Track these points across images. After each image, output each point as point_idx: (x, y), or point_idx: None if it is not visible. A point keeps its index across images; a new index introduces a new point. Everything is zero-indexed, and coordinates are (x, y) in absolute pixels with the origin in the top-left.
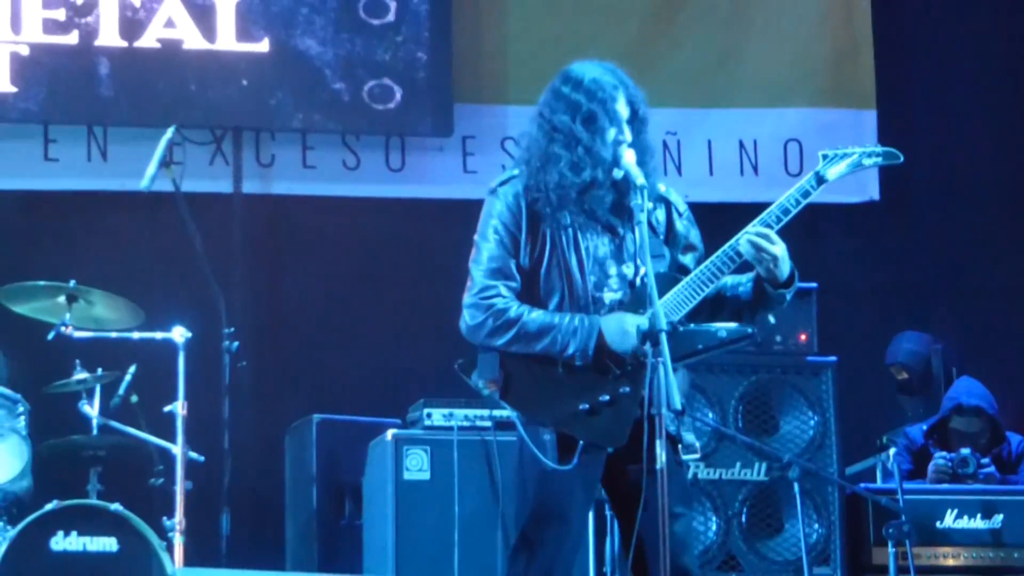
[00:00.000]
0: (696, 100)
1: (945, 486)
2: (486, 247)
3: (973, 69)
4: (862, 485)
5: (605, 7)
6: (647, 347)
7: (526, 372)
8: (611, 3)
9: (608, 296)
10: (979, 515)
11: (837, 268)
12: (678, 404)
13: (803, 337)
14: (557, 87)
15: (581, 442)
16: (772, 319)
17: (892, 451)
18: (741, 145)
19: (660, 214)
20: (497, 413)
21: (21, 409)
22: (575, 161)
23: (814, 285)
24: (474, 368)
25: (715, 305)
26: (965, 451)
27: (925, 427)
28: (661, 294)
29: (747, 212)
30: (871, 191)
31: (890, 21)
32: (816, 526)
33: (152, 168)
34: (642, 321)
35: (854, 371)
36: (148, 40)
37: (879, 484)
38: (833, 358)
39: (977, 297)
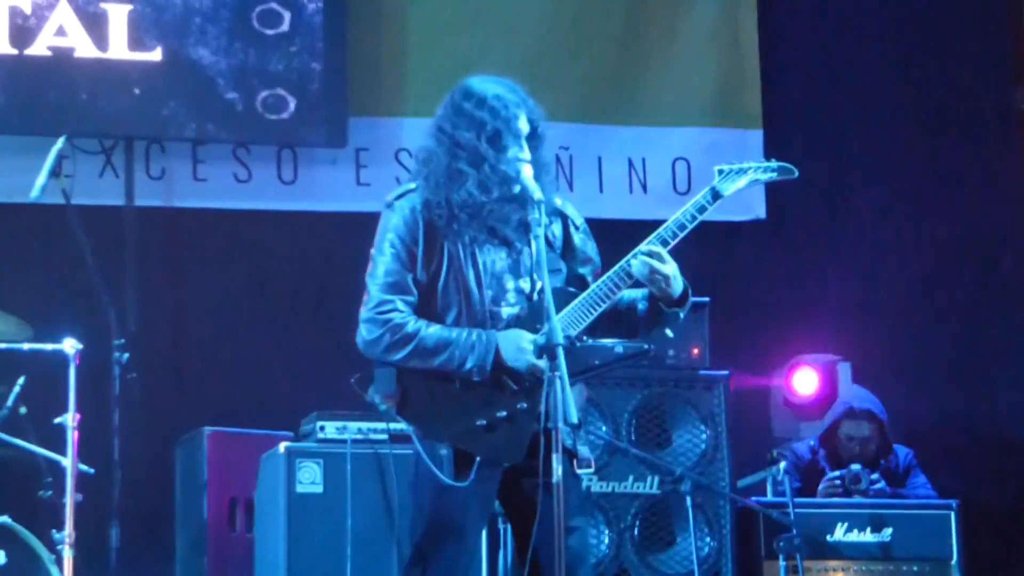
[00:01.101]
0: (587, 116)
1: (835, 499)
2: (382, 261)
3: (859, 88)
4: (753, 499)
5: (500, 21)
6: (544, 361)
7: (423, 387)
8: (506, 18)
9: (506, 311)
10: (869, 529)
11: (728, 283)
12: (575, 418)
13: (695, 351)
14: (458, 102)
15: (478, 458)
16: (671, 333)
17: (782, 465)
18: (630, 163)
19: (557, 228)
20: (393, 427)
21: None
22: (482, 180)
23: (707, 300)
24: (371, 383)
25: (611, 320)
26: (856, 467)
27: (813, 442)
28: (558, 309)
29: (636, 229)
30: (757, 210)
31: (776, 41)
32: (708, 539)
33: (42, 179)
34: (539, 338)
35: (746, 385)
36: (39, 48)
37: (769, 498)
38: (725, 372)
39: (863, 313)
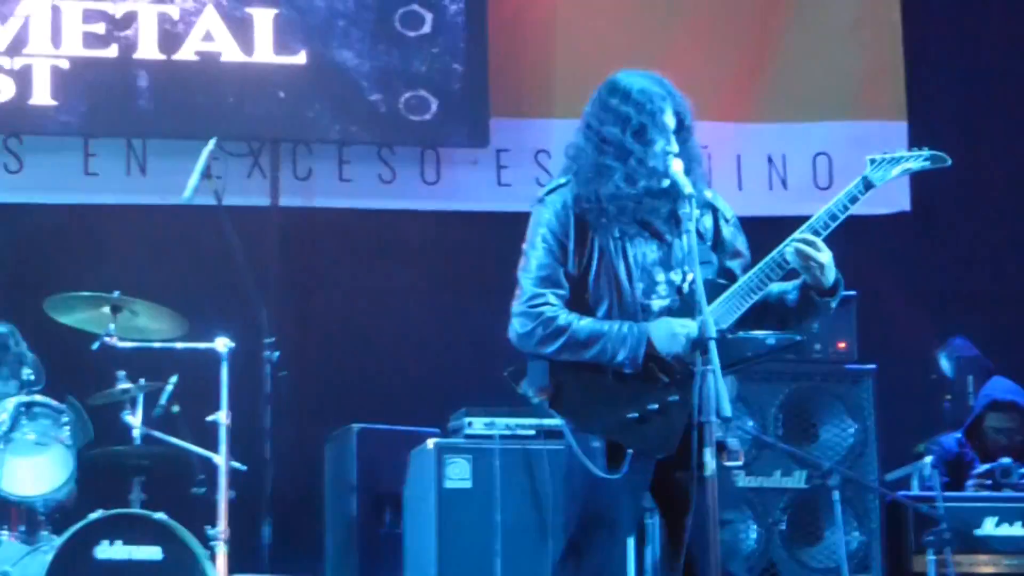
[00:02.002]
0: (725, 114)
1: (984, 493)
2: (535, 255)
3: (1003, 78)
4: (901, 493)
5: (639, 22)
6: (696, 354)
7: (575, 380)
8: (645, 17)
9: (656, 303)
10: (1019, 523)
11: (874, 277)
12: (728, 411)
13: (842, 345)
14: (605, 98)
15: (630, 450)
16: (816, 326)
17: (929, 459)
18: (770, 159)
19: (707, 221)
20: (546, 422)
21: (66, 419)
22: (629, 173)
23: (853, 293)
24: (523, 376)
25: (761, 312)
26: (1006, 460)
27: (959, 434)
28: (709, 301)
29: (776, 226)
30: (902, 203)
31: (921, 32)
32: (856, 534)
33: (194, 180)
34: (691, 328)
35: (893, 379)
36: (186, 53)
37: (917, 492)
38: (872, 366)
39: (1011, 304)
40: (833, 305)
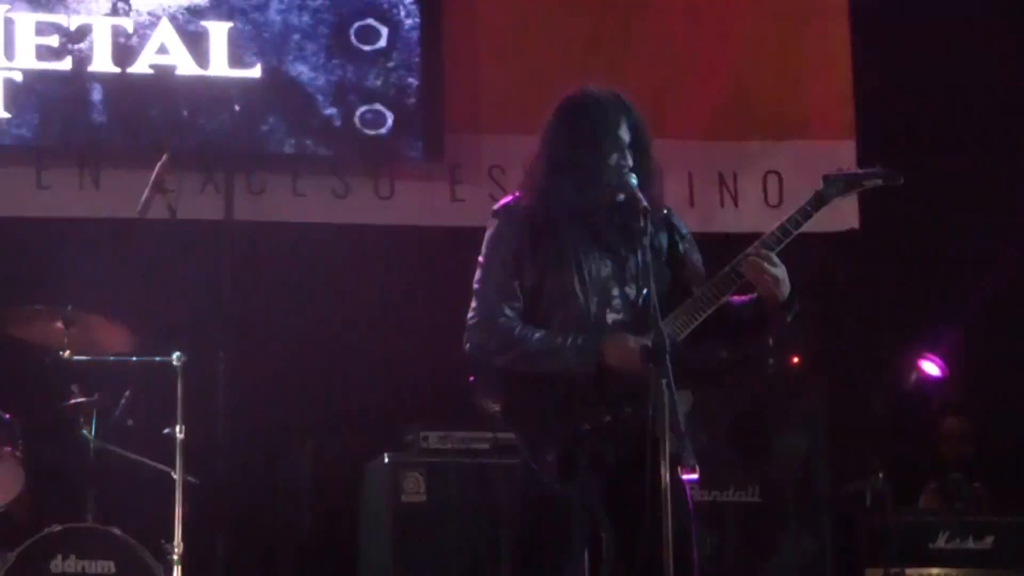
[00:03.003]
0: (678, 132)
1: (937, 507)
2: (489, 269)
3: (951, 98)
4: (854, 506)
5: (595, 40)
6: (650, 367)
7: (529, 392)
8: (601, 36)
9: (611, 317)
10: (970, 537)
11: (826, 293)
12: (681, 424)
13: (795, 360)
14: (562, 113)
15: (583, 463)
16: (769, 341)
17: (882, 473)
18: (721, 177)
19: (663, 237)
20: (500, 435)
21: (17, 432)
22: (582, 187)
23: (806, 308)
24: (478, 389)
25: (715, 326)
26: (957, 475)
27: (912, 446)
28: (663, 316)
29: (727, 243)
30: (851, 220)
31: (870, 53)
32: (809, 547)
33: (147, 194)
34: (645, 341)
35: (845, 393)
36: (141, 66)
37: (868, 505)
38: (824, 379)
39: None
40: (787, 319)
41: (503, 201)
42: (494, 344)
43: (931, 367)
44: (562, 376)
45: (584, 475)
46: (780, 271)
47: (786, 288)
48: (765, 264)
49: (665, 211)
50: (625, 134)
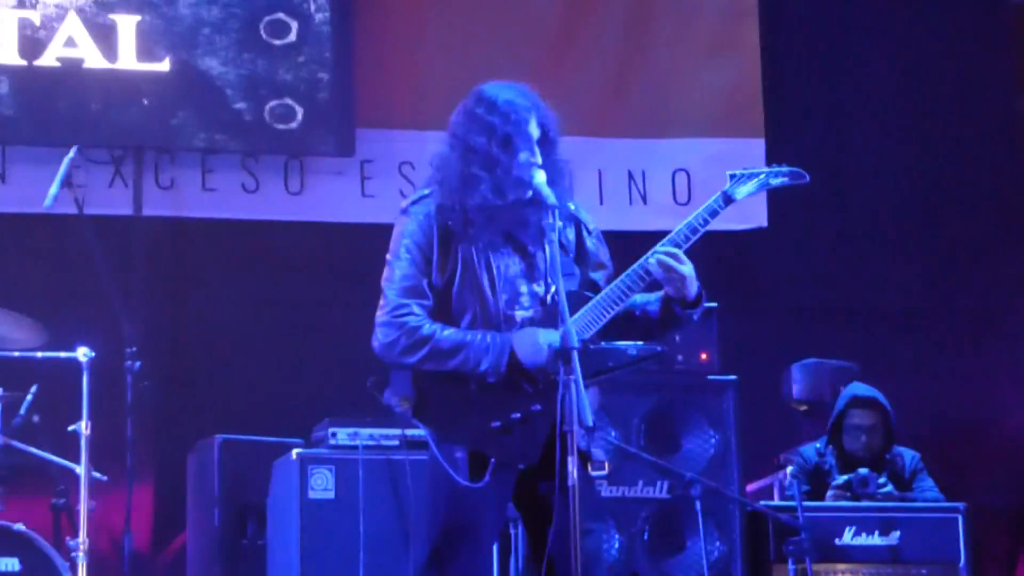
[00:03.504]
0: (587, 129)
1: (844, 503)
2: (398, 266)
3: (859, 96)
4: (762, 503)
5: (501, 37)
6: (559, 364)
7: (439, 390)
8: (508, 32)
9: (520, 314)
10: (877, 532)
11: (734, 290)
12: (590, 421)
13: (704, 356)
14: (471, 108)
15: (493, 460)
16: (678, 337)
17: (789, 469)
18: (630, 175)
19: (570, 233)
20: (409, 432)
21: None
22: (496, 183)
23: (715, 305)
24: (387, 386)
25: (624, 323)
26: (863, 470)
27: (819, 444)
28: (572, 312)
29: (636, 240)
30: (760, 219)
31: (778, 50)
32: (717, 544)
33: (54, 188)
34: (553, 338)
35: (753, 390)
36: (48, 59)
37: (777, 502)
38: (733, 377)
39: (867, 318)
40: (695, 317)
41: (412, 198)
42: (403, 342)
43: None
44: (472, 373)
45: (494, 472)
46: (688, 268)
47: (694, 286)
48: (672, 262)
49: (573, 207)
50: (535, 130)
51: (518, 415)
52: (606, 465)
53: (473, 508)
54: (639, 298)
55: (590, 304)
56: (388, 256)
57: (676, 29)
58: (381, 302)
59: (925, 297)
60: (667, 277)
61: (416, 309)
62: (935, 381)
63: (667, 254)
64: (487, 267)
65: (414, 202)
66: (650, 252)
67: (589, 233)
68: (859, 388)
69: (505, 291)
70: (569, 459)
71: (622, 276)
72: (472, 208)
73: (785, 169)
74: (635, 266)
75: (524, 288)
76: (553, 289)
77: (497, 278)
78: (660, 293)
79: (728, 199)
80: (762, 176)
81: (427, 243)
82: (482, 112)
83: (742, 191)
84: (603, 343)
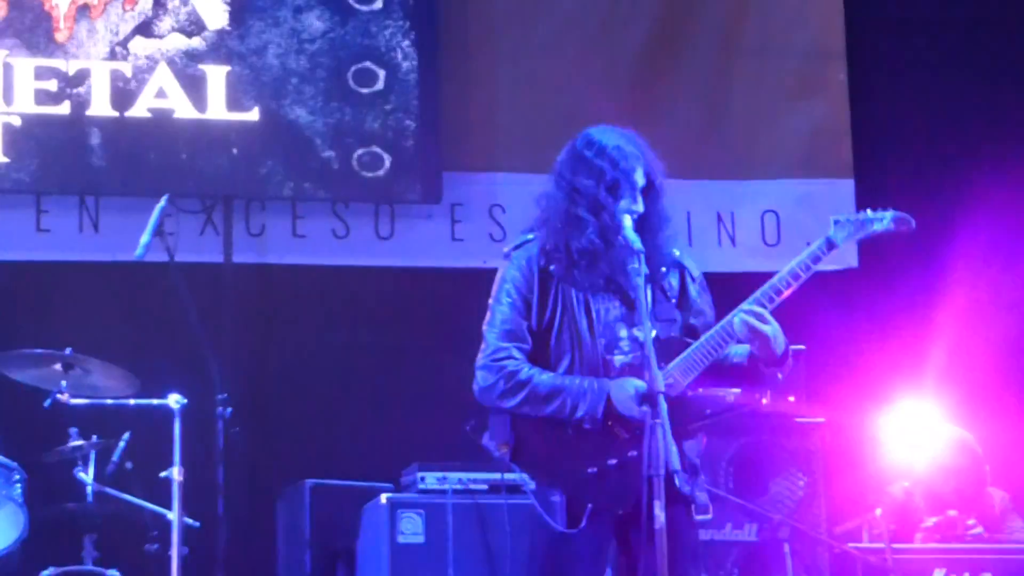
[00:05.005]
0: (675, 171)
1: (933, 545)
2: (499, 310)
3: (949, 136)
4: (851, 544)
5: (588, 79)
6: (644, 410)
7: (536, 435)
8: (594, 76)
9: (619, 359)
10: (967, 574)
11: (823, 331)
12: (676, 465)
13: (791, 398)
14: (579, 150)
15: (590, 505)
16: (780, 376)
17: (878, 511)
18: (719, 216)
19: (673, 279)
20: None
21: (17, 477)
22: (601, 227)
23: (802, 347)
24: (485, 430)
25: (721, 373)
26: (952, 512)
27: (907, 483)
28: (671, 358)
29: (725, 282)
30: (850, 259)
31: (868, 90)
32: None
33: (146, 237)
34: (640, 386)
35: (841, 432)
36: (139, 110)
37: (866, 544)
38: (820, 419)
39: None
40: (780, 376)
41: (515, 242)
42: (502, 386)
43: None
44: (569, 419)
45: (591, 518)
46: (771, 329)
47: (780, 346)
48: (756, 322)
49: (678, 253)
50: (641, 178)
51: (615, 461)
52: (710, 509)
53: (570, 554)
54: (734, 349)
55: (688, 352)
56: (490, 300)
57: (763, 70)
58: (482, 346)
59: (1016, 335)
60: (750, 337)
61: (515, 353)
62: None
63: (751, 314)
64: (586, 311)
65: (517, 247)
66: (737, 309)
67: (693, 280)
68: (951, 432)
69: (604, 335)
70: (656, 503)
71: (712, 330)
72: (576, 251)
73: (890, 214)
74: (723, 323)
75: (624, 332)
76: (653, 334)
77: (596, 322)
78: (748, 349)
79: (831, 245)
80: (867, 222)
81: (527, 287)
82: (591, 155)
83: (845, 236)
84: (701, 390)
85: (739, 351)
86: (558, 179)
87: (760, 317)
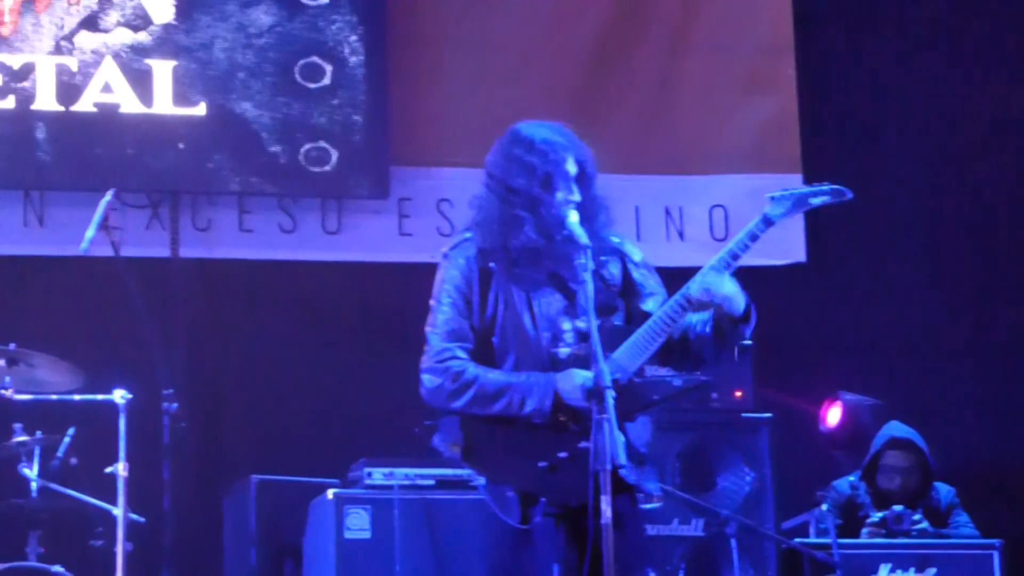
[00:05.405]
0: (624, 166)
1: (879, 540)
2: (440, 311)
3: (896, 131)
4: (798, 540)
5: (538, 74)
6: (591, 403)
7: (486, 433)
8: (544, 70)
9: (564, 351)
10: (913, 568)
11: (770, 327)
12: (622, 459)
13: (739, 394)
14: (508, 148)
15: (543, 499)
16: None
17: (825, 506)
18: (667, 211)
19: (614, 267)
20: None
21: None
22: (539, 223)
23: (749, 343)
24: (436, 431)
25: (676, 350)
26: (898, 507)
27: (853, 478)
28: (616, 346)
29: (674, 276)
30: (797, 253)
31: (815, 85)
32: None
33: (91, 231)
34: (587, 381)
35: (788, 427)
36: (85, 104)
37: (813, 539)
38: (768, 415)
39: (905, 354)
40: (747, 332)
41: (452, 242)
42: (448, 387)
43: (833, 414)
44: (517, 415)
45: (545, 512)
46: (729, 287)
47: (741, 301)
48: (713, 284)
49: (617, 240)
50: (572, 167)
51: (565, 454)
52: (656, 498)
53: (525, 548)
54: (695, 317)
55: (634, 336)
56: (431, 301)
57: (712, 66)
58: (425, 348)
59: (961, 331)
60: (711, 297)
61: (459, 353)
62: (972, 415)
63: (707, 278)
64: (528, 306)
65: (454, 246)
66: (691, 280)
67: (635, 264)
68: (896, 429)
69: (547, 329)
70: (603, 498)
71: (664, 306)
72: (516, 249)
73: (826, 187)
74: (676, 295)
75: (567, 325)
76: (597, 324)
77: (539, 316)
78: (709, 313)
79: (768, 221)
80: (803, 195)
81: (467, 286)
82: (520, 152)
83: (782, 212)
84: (648, 375)
85: (697, 318)
86: (489, 178)
87: (716, 279)
